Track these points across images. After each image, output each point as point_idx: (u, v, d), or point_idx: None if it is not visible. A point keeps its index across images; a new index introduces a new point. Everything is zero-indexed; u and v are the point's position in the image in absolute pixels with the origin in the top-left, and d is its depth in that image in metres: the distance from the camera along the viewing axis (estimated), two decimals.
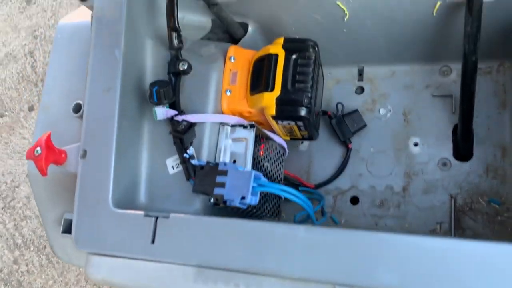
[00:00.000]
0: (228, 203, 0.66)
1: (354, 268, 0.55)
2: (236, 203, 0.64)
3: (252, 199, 0.64)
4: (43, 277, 1.76)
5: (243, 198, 0.63)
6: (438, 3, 0.75)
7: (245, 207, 0.66)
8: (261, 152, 0.83)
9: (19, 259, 1.81)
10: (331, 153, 0.94)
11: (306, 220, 0.82)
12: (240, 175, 0.65)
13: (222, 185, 0.66)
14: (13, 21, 2.29)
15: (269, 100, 0.73)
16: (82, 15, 0.88)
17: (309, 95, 0.72)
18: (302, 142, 0.97)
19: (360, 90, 0.96)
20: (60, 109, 0.83)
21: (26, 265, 1.79)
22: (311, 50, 0.74)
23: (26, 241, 1.85)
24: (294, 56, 0.74)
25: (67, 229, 0.80)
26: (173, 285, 0.62)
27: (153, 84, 0.73)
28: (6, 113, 2.12)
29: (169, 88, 0.73)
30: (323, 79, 0.87)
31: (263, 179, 0.69)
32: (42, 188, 0.84)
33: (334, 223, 0.90)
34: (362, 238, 0.55)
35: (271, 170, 0.84)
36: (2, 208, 1.93)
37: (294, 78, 0.73)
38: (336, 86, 0.97)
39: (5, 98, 2.15)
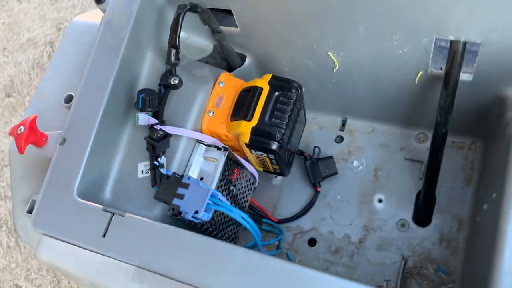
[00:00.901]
0: (182, 215, 0.69)
1: None
2: (189, 216, 0.67)
3: (205, 215, 0.67)
4: (7, 258, 1.77)
5: (196, 212, 0.67)
6: (420, 73, 0.80)
7: (197, 221, 0.69)
8: (233, 176, 0.86)
9: None
10: (300, 192, 0.97)
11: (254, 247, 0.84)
12: (199, 191, 0.69)
13: (181, 197, 0.70)
14: (42, 10, 2.39)
15: (245, 128, 0.77)
16: (95, 16, 0.94)
17: (283, 132, 0.76)
18: (275, 177, 1.00)
19: (340, 139, 1.00)
20: (53, 97, 0.88)
21: None
22: (293, 91, 0.79)
23: (1, 220, 1.87)
24: (277, 93, 0.78)
25: (31, 210, 0.83)
26: (113, 280, 0.65)
27: (141, 91, 0.78)
28: (13, 94, 2.18)
29: (155, 98, 0.78)
30: (305, 122, 0.92)
31: (224, 200, 0.73)
32: (19, 166, 0.88)
33: (288, 259, 0.92)
34: (292, 271, 0.58)
35: (237, 195, 0.87)
36: None
37: (272, 113, 0.77)
38: (318, 131, 1.01)
39: (16, 80, 2.22)
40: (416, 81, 0.82)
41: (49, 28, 2.34)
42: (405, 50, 0.77)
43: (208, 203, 0.68)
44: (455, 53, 0.72)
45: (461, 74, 0.75)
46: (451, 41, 0.71)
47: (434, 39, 0.72)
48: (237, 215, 0.69)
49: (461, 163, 0.90)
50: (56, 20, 2.33)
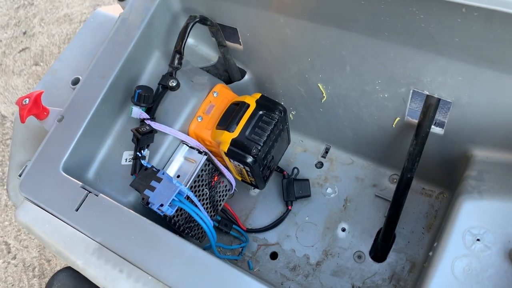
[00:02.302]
0: (150, 205, 0.75)
1: None
2: (155, 207, 0.74)
3: (168, 210, 0.73)
4: (2, 215, 1.87)
5: (161, 205, 0.73)
6: (397, 119, 0.85)
7: (161, 214, 0.75)
8: (214, 180, 0.93)
9: None
10: (272, 207, 1.03)
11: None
12: (169, 186, 0.75)
13: (153, 189, 0.76)
14: None
15: (226, 138, 0.84)
16: (116, 11, 1.02)
17: (259, 148, 0.82)
18: (253, 188, 1.06)
19: (320, 165, 1.05)
20: (63, 77, 0.96)
21: None
22: (277, 112, 0.85)
23: (4, 179, 1.97)
24: (261, 112, 0.85)
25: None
26: (75, 250, 0.72)
27: (139, 87, 0.85)
28: (41, 64, 2.29)
29: (151, 95, 0.85)
30: (289, 142, 0.98)
31: (194, 199, 0.79)
32: (20, 133, 0.96)
33: (248, 267, 0.98)
34: (233, 275, 0.64)
35: (213, 197, 0.93)
36: None
37: (253, 129, 0.84)
38: (302, 153, 1.07)
39: (47, 50, 2.33)
40: (393, 125, 0.87)
41: (87, 8, 2.45)
42: (386, 95, 0.82)
43: (173, 199, 0.74)
44: (429, 107, 0.77)
45: (432, 127, 0.80)
46: (427, 96, 0.77)
47: (411, 90, 0.78)
48: (197, 215, 0.75)
49: (426, 210, 0.95)
50: (95, 0, 2.45)
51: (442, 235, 0.69)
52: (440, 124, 0.82)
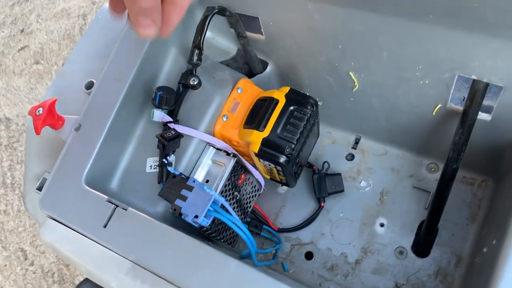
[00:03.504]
0: (183, 217, 0.70)
1: None
2: (189, 219, 0.69)
3: (204, 221, 0.68)
4: (16, 221, 1.83)
5: (196, 216, 0.68)
6: (439, 106, 0.79)
7: (196, 225, 0.70)
8: (240, 181, 0.87)
9: (1, 198, 1.88)
10: (303, 205, 0.98)
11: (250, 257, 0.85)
12: (202, 195, 0.70)
13: (184, 198, 0.71)
14: None
15: (256, 138, 0.78)
16: None
17: (293, 146, 0.77)
18: (281, 185, 1.01)
19: (351, 157, 1.00)
20: (75, 81, 0.90)
21: (5, 205, 1.86)
22: (309, 107, 0.79)
23: (14, 184, 1.92)
24: (292, 107, 0.79)
25: (41, 188, 0.86)
26: (107, 271, 0.67)
27: (159, 88, 0.79)
28: (42, 62, 2.22)
29: (172, 97, 0.79)
30: (318, 136, 0.92)
31: (226, 205, 0.74)
32: (35, 144, 0.90)
33: (283, 269, 0.94)
34: None
35: (241, 200, 0.88)
36: (5, 146, 2.01)
37: (285, 126, 0.78)
38: (331, 146, 1.01)
39: (46, 48, 2.26)
40: (433, 113, 0.81)
41: (84, 1, 2.37)
42: (426, 82, 0.76)
43: (208, 210, 0.69)
44: (476, 93, 0.71)
45: (479, 113, 0.75)
46: (474, 80, 0.71)
47: (456, 76, 0.72)
48: (234, 224, 0.70)
49: (469, 199, 0.89)
50: None
51: (503, 229, 0.64)
52: (487, 110, 0.76)
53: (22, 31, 2.35)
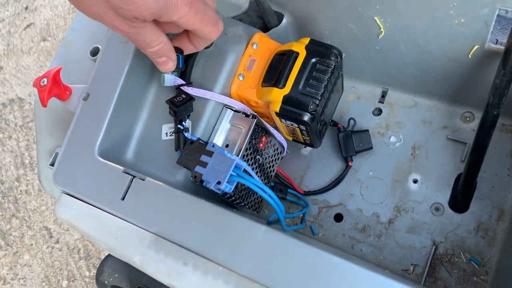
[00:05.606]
0: (204, 184, 0.65)
1: (300, 283, 0.54)
2: (211, 186, 0.64)
3: (227, 187, 0.63)
4: (38, 201, 1.82)
5: (218, 183, 0.63)
6: (476, 47, 0.72)
7: (219, 192, 0.65)
8: (261, 144, 0.82)
9: (22, 178, 1.88)
10: (330, 165, 0.93)
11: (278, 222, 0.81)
12: (223, 160, 0.65)
13: (204, 165, 0.66)
14: None
15: (276, 96, 0.72)
16: None
17: (317, 102, 0.71)
18: (304, 146, 0.96)
19: (378, 111, 0.93)
20: (80, 48, 0.85)
21: (26, 186, 1.86)
22: (332, 58, 0.72)
23: (33, 164, 1.91)
24: (313, 60, 0.72)
25: (54, 163, 0.82)
26: (129, 245, 0.63)
27: None
28: (49, 38, 2.17)
29: (182, 57, 0.73)
30: (342, 91, 0.86)
31: (249, 170, 0.69)
32: (44, 118, 0.86)
33: (312, 233, 0.89)
34: (316, 256, 0.55)
35: (263, 164, 0.83)
36: (20, 126, 1.99)
37: (307, 81, 0.72)
38: (355, 101, 0.95)
39: (52, 24, 2.21)
40: (469, 56, 0.74)
41: None
42: (462, 21, 0.68)
43: (231, 175, 0.64)
44: None
45: None
46: None
47: (497, 10, 0.64)
48: (260, 189, 0.65)
49: (509, 149, 0.83)
50: None
51: None
52: None
53: (26, 8, 2.30)
